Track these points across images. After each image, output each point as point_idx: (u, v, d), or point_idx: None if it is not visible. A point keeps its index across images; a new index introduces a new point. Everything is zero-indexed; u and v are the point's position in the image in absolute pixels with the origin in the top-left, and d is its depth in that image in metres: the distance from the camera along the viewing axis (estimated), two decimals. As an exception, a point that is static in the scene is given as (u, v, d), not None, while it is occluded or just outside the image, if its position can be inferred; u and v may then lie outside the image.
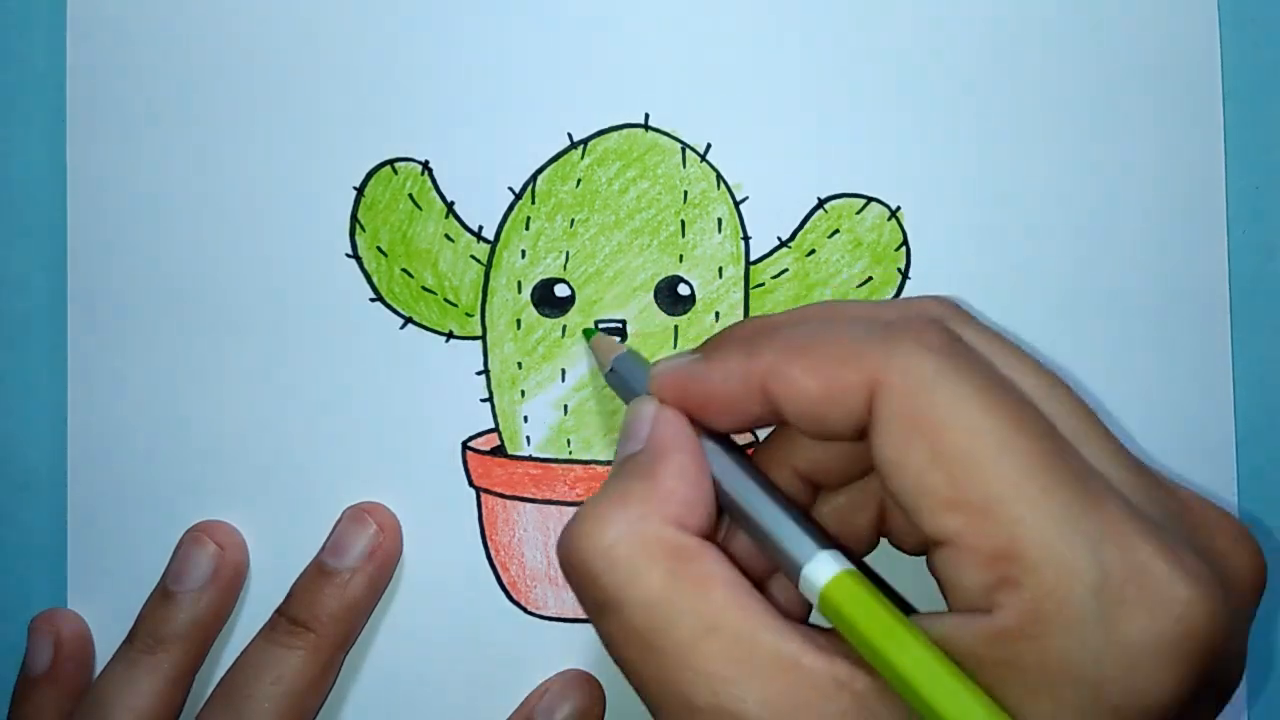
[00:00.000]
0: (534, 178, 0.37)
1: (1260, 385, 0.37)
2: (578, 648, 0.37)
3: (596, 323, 0.37)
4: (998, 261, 0.37)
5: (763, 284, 0.37)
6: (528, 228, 0.37)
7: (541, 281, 0.37)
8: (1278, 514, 0.37)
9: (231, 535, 0.37)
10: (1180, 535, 0.22)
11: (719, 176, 0.37)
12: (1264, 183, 0.37)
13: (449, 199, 0.37)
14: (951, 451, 0.22)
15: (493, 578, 0.37)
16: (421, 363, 0.37)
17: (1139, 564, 0.20)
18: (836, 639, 0.23)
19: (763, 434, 0.29)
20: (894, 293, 0.37)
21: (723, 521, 0.27)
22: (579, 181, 0.37)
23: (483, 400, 0.37)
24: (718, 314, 0.37)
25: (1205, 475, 0.37)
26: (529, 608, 0.37)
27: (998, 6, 0.37)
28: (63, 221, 0.38)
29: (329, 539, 0.36)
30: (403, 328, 0.37)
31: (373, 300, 0.37)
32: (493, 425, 0.37)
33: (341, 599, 0.35)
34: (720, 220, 0.37)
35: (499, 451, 0.37)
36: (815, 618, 0.25)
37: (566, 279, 0.37)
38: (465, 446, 0.37)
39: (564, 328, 0.37)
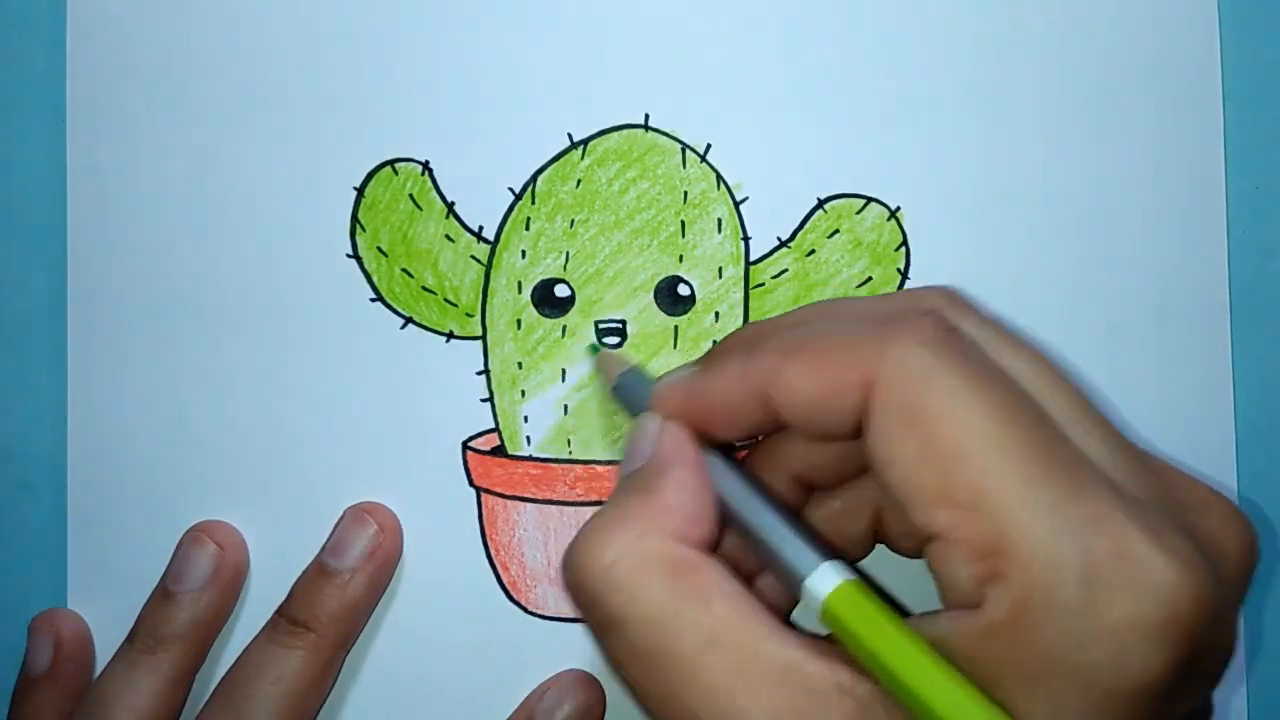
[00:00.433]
0: (534, 178, 0.37)
1: (1260, 385, 0.37)
2: (578, 648, 0.37)
3: (596, 323, 0.37)
4: (997, 262, 0.37)
5: (763, 284, 0.37)
6: (528, 228, 0.37)
7: (542, 282, 0.37)
8: (1278, 514, 0.37)
9: (231, 535, 0.37)
10: (1168, 516, 0.22)
11: (719, 177, 0.37)
12: (1264, 183, 0.37)
13: (449, 199, 0.37)
14: (942, 446, 0.22)
15: (493, 578, 0.37)
16: (422, 363, 0.37)
17: (1124, 549, 0.21)
18: (837, 645, 0.23)
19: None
20: (894, 293, 0.37)
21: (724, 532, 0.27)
22: (579, 182, 0.37)
23: (483, 400, 0.37)
24: (718, 314, 0.37)
25: (1205, 475, 0.37)
26: (529, 608, 0.37)
27: (997, 7, 0.37)
28: (63, 221, 0.38)
29: (329, 539, 0.36)
30: (403, 328, 0.37)
31: (373, 300, 0.37)
32: (493, 425, 0.37)
33: (342, 599, 0.35)
34: (720, 220, 0.37)
35: (499, 451, 0.37)
36: (804, 621, 0.25)
37: (566, 279, 0.37)
38: (465, 446, 0.37)
39: (564, 328, 0.37)
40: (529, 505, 0.37)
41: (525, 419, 0.37)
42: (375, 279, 0.37)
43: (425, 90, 0.37)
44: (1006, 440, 0.21)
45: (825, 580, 0.24)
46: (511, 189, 0.37)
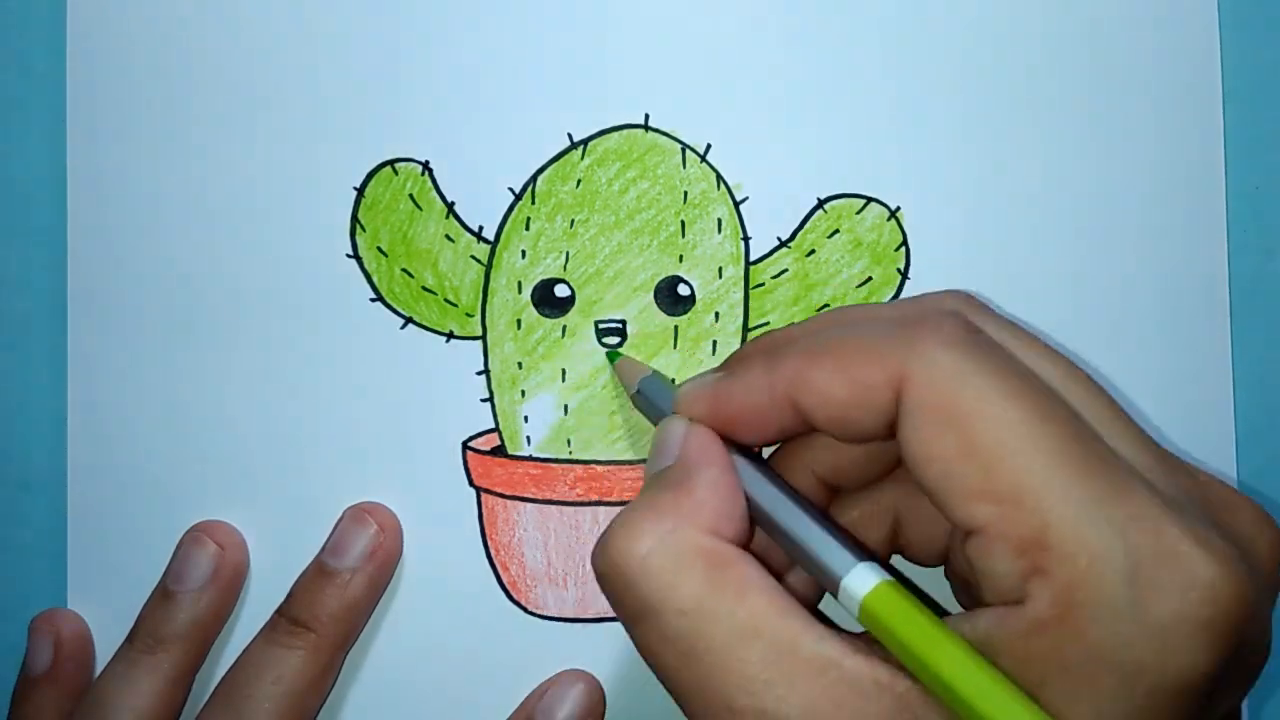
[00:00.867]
0: (534, 178, 0.37)
1: (1260, 385, 0.37)
2: (578, 648, 0.37)
3: (596, 323, 0.37)
4: (997, 262, 0.37)
5: (763, 284, 0.37)
6: (528, 228, 0.37)
7: (542, 282, 0.37)
8: (1278, 514, 0.37)
9: (231, 535, 0.37)
10: (1204, 517, 0.22)
11: (719, 177, 0.37)
12: (1264, 183, 0.37)
13: (449, 199, 0.37)
14: (980, 442, 0.22)
15: (493, 578, 0.37)
16: (422, 363, 0.37)
17: (1167, 547, 0.21)
18: (872, 642, 0.23)
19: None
20: (893, 293, 0.37)
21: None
22: (579, 182, 0.37)
23: (483, 400, 0.37)
24: (717, 314, 0.37)
25: (1205, 475, 0.37)
26: (529, 608, 0.37)
27: (997, 7, 0.37)
28: (63, 221, 0.38)
29: (329, 539, 0.36)
30: (403, 328, 0.37)
31: (373, 300, 0.37)
32: (493, 425, 0.37)
33: (342, 599, 0.35)
34: (720, 220, 0.37)
35: (499, 451, 0.37)
36: (825, 609, 0.25)
37: (566, 279, 0.37)
38: (465, 446, 0.37)
39: (564, 328, 0.37)
40: (529, 505, 0.37)
41: (525, 419, 0.37)
42: (375, 279, 0.37)
43: (425, 90, 0.37)
44: (1045, 437, 0.22)
45: (863, 580, 0.24)
46: (511, 189, 0.37)
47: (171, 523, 0.37)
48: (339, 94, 0.37)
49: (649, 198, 0.37)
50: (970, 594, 0.27)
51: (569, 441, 0.37)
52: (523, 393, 0.37)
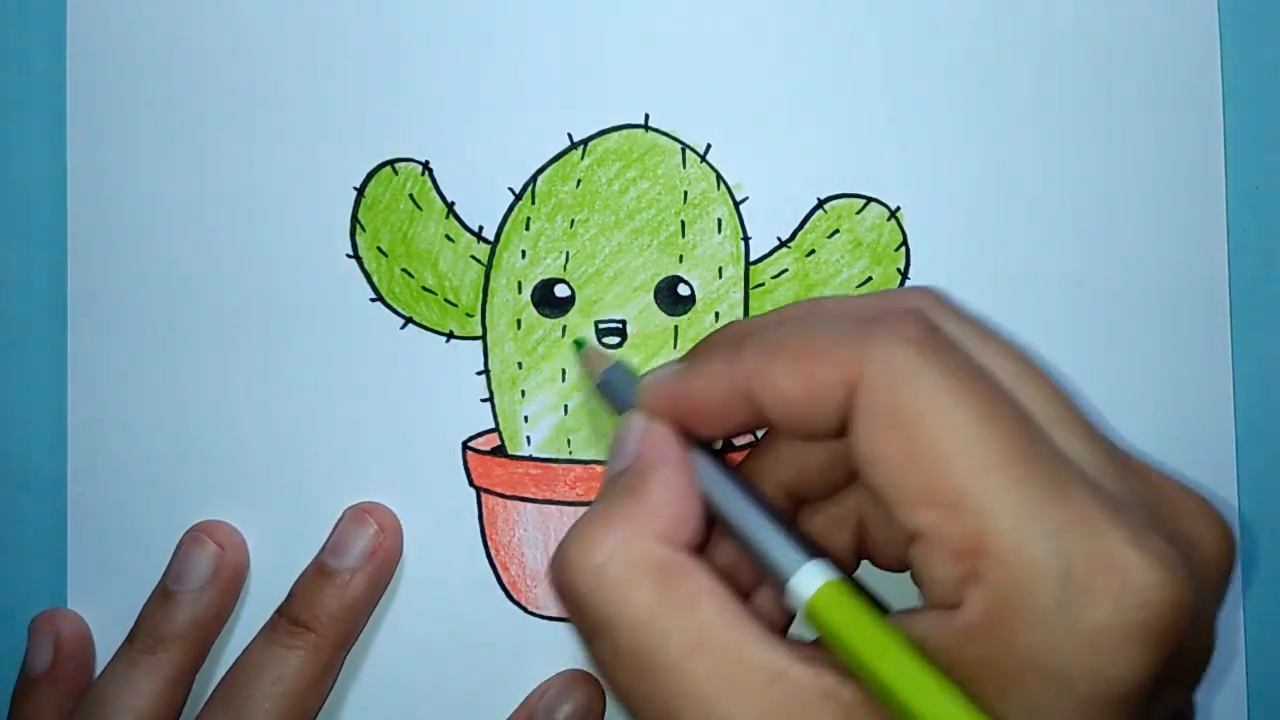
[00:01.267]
0: (534, 178, 0.37)
1: (1260, 385, 0.37)
2: (578, 648, 0.37)
3: (596, 323, 0.37)
4: (997, 262, 0.37)
5: (763, 284, 0.37)
6: (528, 228, 0.37)
7: (541, 282, 0.37)
8: (1278, 514, 0.37)
9: (231, 535, 0.37)
10: (1148, 517, 0.22)
11: (719, 177, 0.37)
12: (1264, 183, 0.37)
13: (449, 199, 0.37)
14: (925, 445, 0.22)
15: (493, 578, 0.37)
16: (422, 363, 0.37)
17: (1103, 551, 0.20)
18: (825, 649, 0.23)
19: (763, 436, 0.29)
20: (894, 293, 0.37)
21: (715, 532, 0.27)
22: (579, 182, 0.37)
23: (483, 400, 0.37)
24: (718, 314, 0.37)
25: (1205, 475, 0.37)
26: (529, 608, 0.37)
27: (997, 7, 0.37)
28: (63, 221, 0.38)
29: (329, 539, 0.36)
30: (403, 328, 0.37)
31: (373, 300, 0.37)
32: (493, 425, 0.37)
33: (342, 599, 0.35)
34: (720, 220, 0.37)
35: (499, 451, 0.37)
36: (797, 627, 0.25)
37: (566, 279, 0.37)
38: (465, 446, 0.37)
39: (564, 328, 0.37)
40: (529, 505, 0.37)
41: (525, 419, 0.37)
42: (375, 279, 0.37)
43: (425, 90, 0.37)
44: (988, 440, 0.21)
45: (809, 579, 0.23)
46: (511, 189, 0.37)
47: (171, 523, 0.37)
48: (339, 94, 0.37)
49: (649, 198, 0.37)
50: None
51: (569, 441, 0.37)
52: (523, 393, 0.37)
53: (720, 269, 0.37)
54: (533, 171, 0.37)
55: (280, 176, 0.37)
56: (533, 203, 0.37)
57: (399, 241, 0.37)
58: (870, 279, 0.37)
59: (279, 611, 0.36)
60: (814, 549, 0.24)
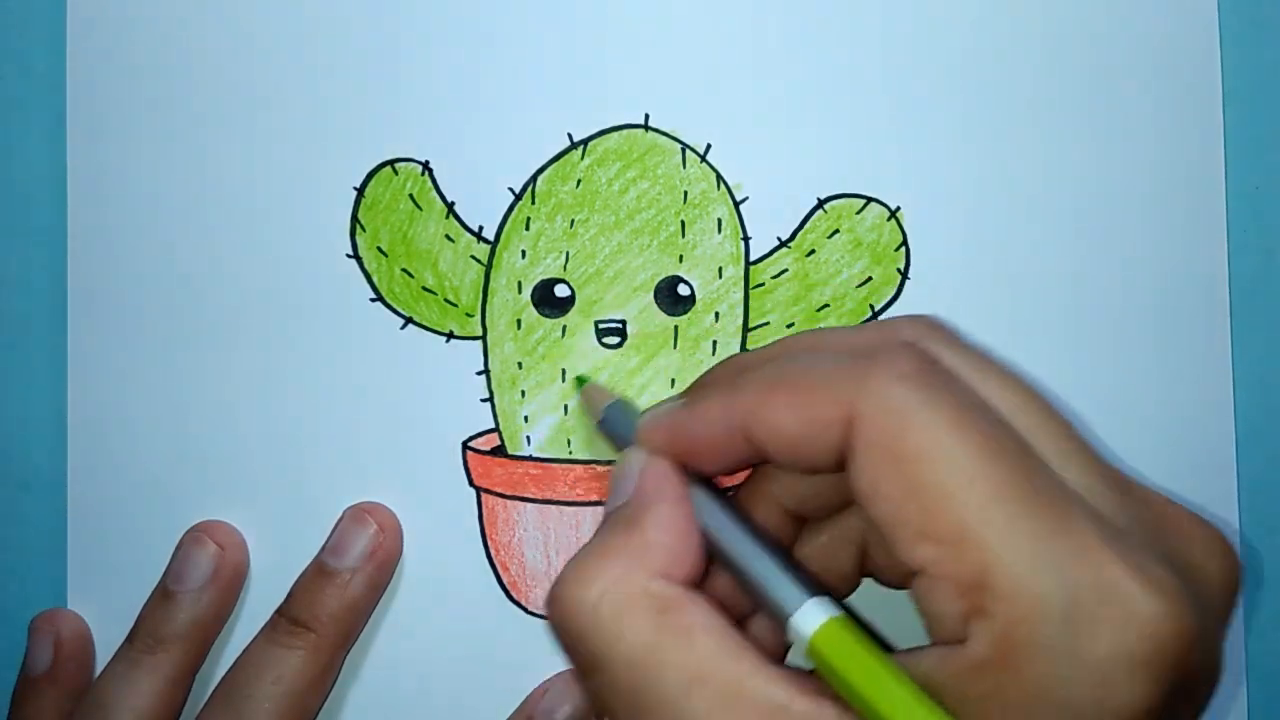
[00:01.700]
0: (534, 178, 0.37)
1: (1260, 385, 0.37)
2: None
3: (596, 323, 0.37)
4: (997, 262, 0.37)
5: (763, 284, 0.37)
6: (528, 228, 0.37)
7: (541, 282, 0.37)
8: (1278, 515, 0.37)
9: (231, 535, 0.37)
10: (1151, 546, 0.22)
11: (719, 177, 0.37)
12: (1264, 183, 0.37)
13: (449, 199, 0.37)
14: (924, 481, 0.22)
15: (493, 578, 0.37)
16: (422, 363, 0.37)
17: (1107, 583, 0.21)
18: (824, 681, 0.23)
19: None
20: (894, 293, 0.37)
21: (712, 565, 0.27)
22: (579, 182, 0.37)
23: (483, 400, 0.37)
24: (717, 314, 0.37)
25: (1205, 476, 0.37)
26: (529, 608, 0.37)
27: (997, 7, 0.37)
28: (63, 221, 0.38)
29: (329, 539, 0.36)
30: (403, 328, 0.37)
31: (373, 300, 0.37)
32: (493, 425, 0.37)
33: (342, 599, 0.35)
34: (720, 220, 0.37)
35: (499, 451, 0.37)
36: (795, 657, 0.25)
37: (566, 279, 0.37)
38: (465, 446, 0.37)
39: (564, 328, 0.37)
40: (529, 505, 0.37)
41: (525, 419, 0.37)
42: (375, 279, 0.37)
43: (425, 90, 0.37)
44: (988, 475, 0.21)
45: (811, 617, 0.24)
46: (511, 189, 0.37)
47: (171, 523, 0.37)
48: (339, 94, 0.37)
49: (649, 198, 0.37)
50: None
51: (569, 441, 0.37)
52: (523, 393, 0.37)
53: (720, 269, 0.37)
54: (533, 171, 0.37)
55: (280, 176, 0.37)
56: (533, 203, 0.37)
57: (399, 241, 0.37)
58: (870, 279, 0.37)
59: (279, 611, 0.36)
60: (814, 585, 0.24)
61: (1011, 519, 0.21)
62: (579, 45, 0.37)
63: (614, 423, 0.31)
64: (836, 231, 0.37)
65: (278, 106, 0.37)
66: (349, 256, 0.37)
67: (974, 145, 0.37)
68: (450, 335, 0.37)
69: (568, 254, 0.37)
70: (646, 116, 0.37)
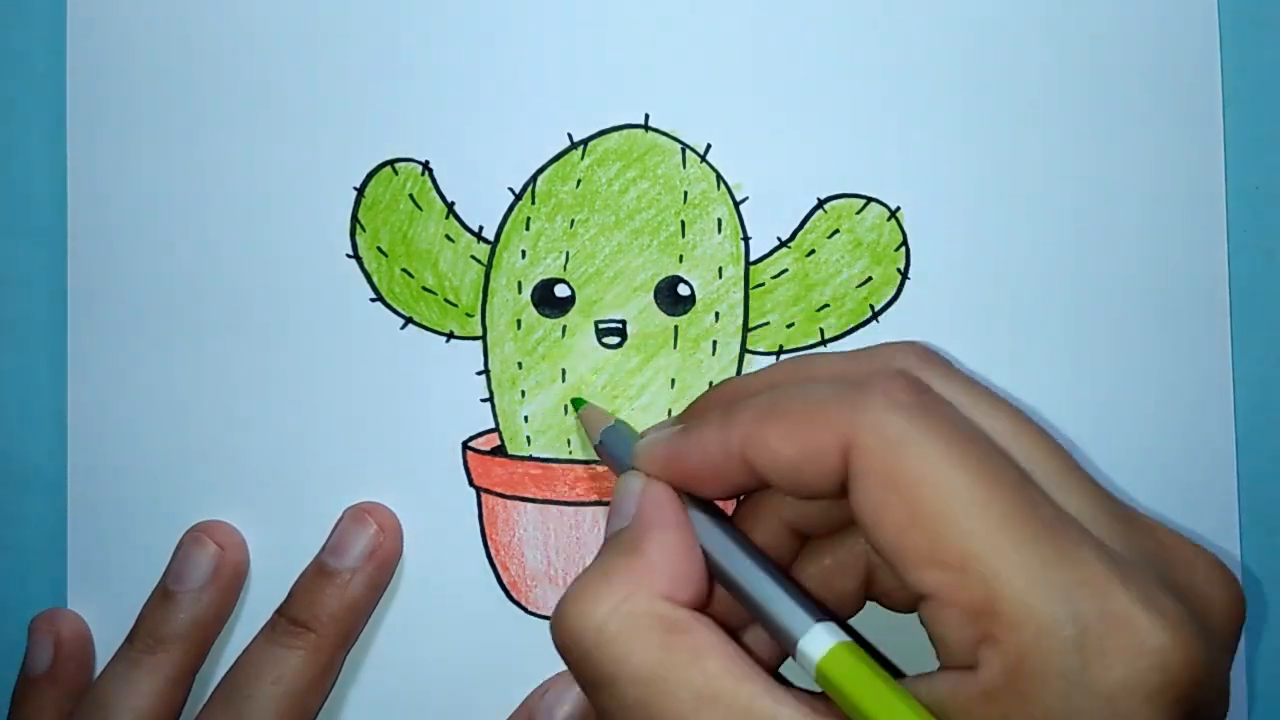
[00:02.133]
0: (534, 178, 0.37)
1: (1260, 385, 0.37)
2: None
3: (596, 323, 0.37)
4: (997, 262, 0.37)
5: (763, 284, 0.37)
6: (528, 228, 0.37)
7: (542, 282, 0.37)
8: (1279, 516, 0.37)
9: (231, 535, 0.37)
10: (1157, 576, 0.22)
11: (719, 177, 0.37)
12: (1264, 183, 0.37)
13: (449, 199, 0.37)
14: (926, 508, 0.22)
15: (493, 578, 0.37)
16: (422, 363, 0.37)
17: (1115, 613, 0.21)
18: (830, 702, 0.23)
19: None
20: (894, 293, 0.37)
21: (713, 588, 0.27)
22: (579, 182, 0.37)
23: (483, 400, 0.37)
24: (717, 314, 0.37)
25: (1205, 476, 0.37)
26: (529, 608, 0.37)
27: (997, 7, 0.37)
28: (63, 221, 0.38)
29: (329, 539, 0.36)
30: (403, 328, 0.37)
31: (373, 300, 0.37)
32: (493, 425, 0.37)
33: (342, 599, 0.35)
34: (720, 220, 0.37)
35: (499, 451, 0.37)
36: (795, 675, 0.25)
37: (566, 279, 0.37)
38: (465, 446, 0.37)
39: (564, 328, 0.37)
40: (529, 505, 0.37)
41: (525, 419, 0.37)
42: (375, 279, 0.37)
43: (425, 90, 0.37)
44: (989, 502, 0.22)
45: (819, 642, 0.24)
46: (511, 189, 0.37)
47: (171, 523, 0.37)
48: (339, 94, 0.37)
49: (649, 198, 0.37)
50: None
51: (569, 441, 0.37)
52: (523, 393, 0.37)
53: (720, 269, 0.37)
54: (533, 171, 0.37)
55: (280, 176, 0.37)
56: (533, 203, 0.37)
57: (399, 241, 0.37)
58: (870, 279, 0.37)
59: (279, 611, 0.36)
60: (819, 609, 0.25)
61: (1017, 545, 0.21)
62: (579, 45, 0.37)
63: (612, 445, 0.31)
64: (836, 231, 0.37)
65: (277, 106, 0.37)
66: (349, 256, 0.37)
67: (974, 145, 0.37)
68: (450, 335, 0.37)
69: (568, 254, 0.37)
70: (646, 116, 0.37)
